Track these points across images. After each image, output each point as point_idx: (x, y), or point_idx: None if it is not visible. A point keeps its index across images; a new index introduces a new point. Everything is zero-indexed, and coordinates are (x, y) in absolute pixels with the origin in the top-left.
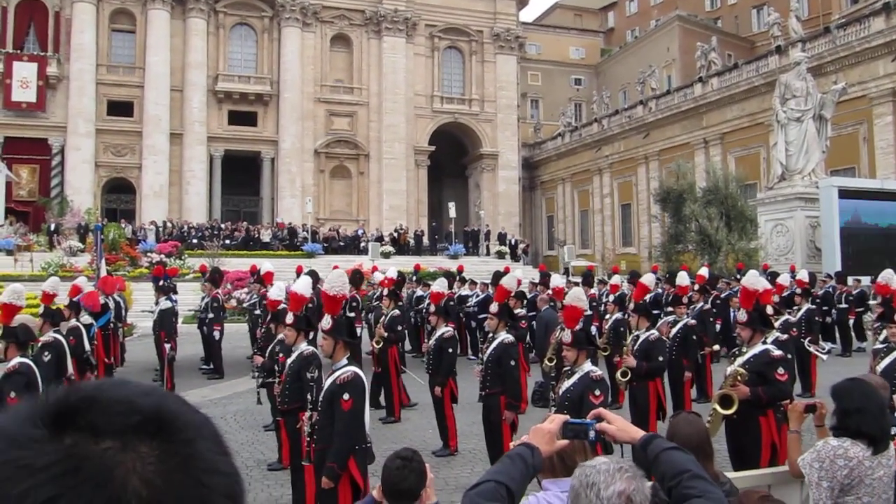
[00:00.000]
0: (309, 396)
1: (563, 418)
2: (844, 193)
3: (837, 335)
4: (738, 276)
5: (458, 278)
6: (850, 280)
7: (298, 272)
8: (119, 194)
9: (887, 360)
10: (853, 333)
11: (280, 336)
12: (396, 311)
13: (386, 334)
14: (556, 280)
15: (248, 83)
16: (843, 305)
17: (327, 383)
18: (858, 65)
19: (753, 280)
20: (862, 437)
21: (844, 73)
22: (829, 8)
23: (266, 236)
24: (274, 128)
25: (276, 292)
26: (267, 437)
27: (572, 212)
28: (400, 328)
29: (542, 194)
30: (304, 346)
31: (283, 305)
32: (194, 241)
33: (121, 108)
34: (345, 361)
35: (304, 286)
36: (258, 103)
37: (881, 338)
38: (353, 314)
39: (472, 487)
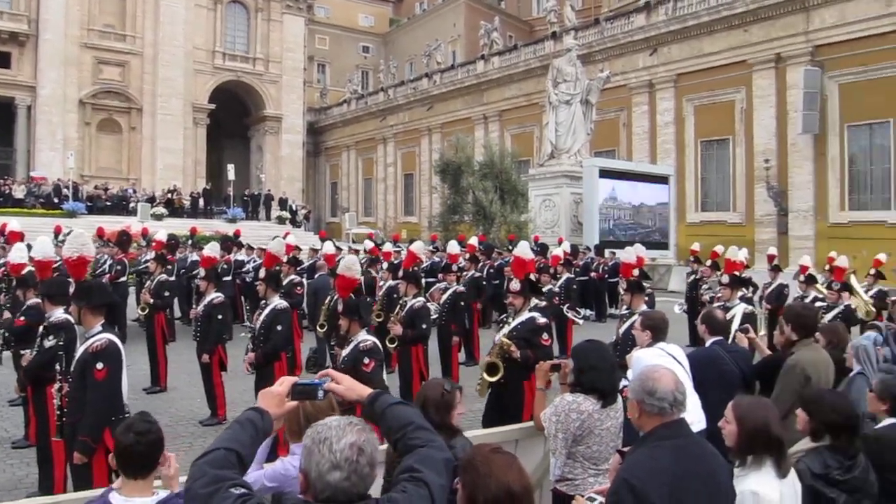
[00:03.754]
0: (58, 367)
1: (292, 380)
2: (605, 173)
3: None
4: (510, 247)
5: (234, 243)
6: (606, 252)
7: (57, 232)
8: None
9: (626, 325)
10: (608, 300)
11: (31, 302)
12: (164, 276)
13: (152, 301)
14: (329, 247)
15: (1, 19)
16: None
17: (79, 352)
18: (622, 56)
19: (525, 251)
20: (595, 392)
21: (610, 63)
22: (600, 1)
23: (19, 192)
24: (32, 72)
25: (17, 255)
26: (13, 412)
27: (356, 179)
28: (167, 294)
29: (327, 160)
30: (58, 313)
31: (29, 268)
32: None
33: None
34: (98, 328)
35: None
36: (12, 43)
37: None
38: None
39: (200, 456)
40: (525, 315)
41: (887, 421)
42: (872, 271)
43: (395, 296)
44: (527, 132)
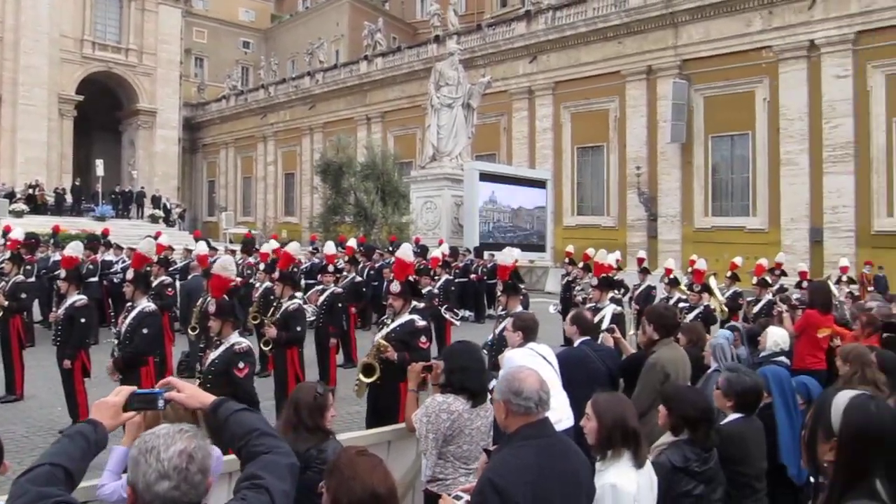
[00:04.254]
0: None
1: (130, 389)
2: (485, 176)
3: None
4: (391, 249)
5: (102, 242)
6: (485, 254)
7: None
8: None
9: (501, 326)
10: (487, 302)
11: None
12: (21, 277)
13: (6, 303)
14: (202, 247)
15: None
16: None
17: None
18: (503, 62)
19: (407, 253)
20: (465, 392)
21: (491, 68)
22: (483, 7)
23: None
24: None
25: None
26: None
27: (235, 178)
28: (25, 296)
29: (205, 158)
30: None
31: None
32: None
33: None
34: None
35: None
36: None
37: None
38: None
39: (23, 473)
40: (404, 317)
41: (732, 416)
42: (729, 274)
43: (271, 297)
44: (409, 134)
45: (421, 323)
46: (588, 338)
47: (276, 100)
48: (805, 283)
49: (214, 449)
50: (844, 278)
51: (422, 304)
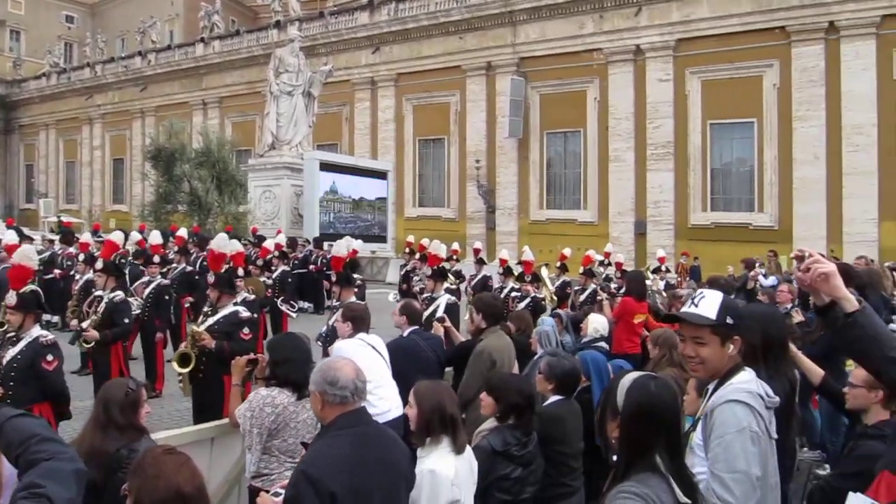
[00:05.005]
0: None
1: None
2: (326, 166)
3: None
4: (252, 240)
5: None
6: (325, 245)
7: None
8: None
9: (334, 317)
10: (326, 293)
11: None
12: None
13: None
14: (11, 236)
15: None
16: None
17: None
18: (346, 51)
19: (222, 243)
20: (289, 385)
21: (334, 57)
22: None
23: None
24: None
25: None
26: None
27: (57, 162)
28: None
29: (22, 140)
30: None
31: None
32: None
33: None
34: None
35: None
36: None
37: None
38: None
39: None
40: (228, 309)
41: (553, 398)
42: (559, 264)
43: (92, 290)
44: (248, 121)
45: (245, 314)
46: (417, 327)
47: (103, 80)
48: (619, 274)
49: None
50: (663, 268)
51: (252, 296)
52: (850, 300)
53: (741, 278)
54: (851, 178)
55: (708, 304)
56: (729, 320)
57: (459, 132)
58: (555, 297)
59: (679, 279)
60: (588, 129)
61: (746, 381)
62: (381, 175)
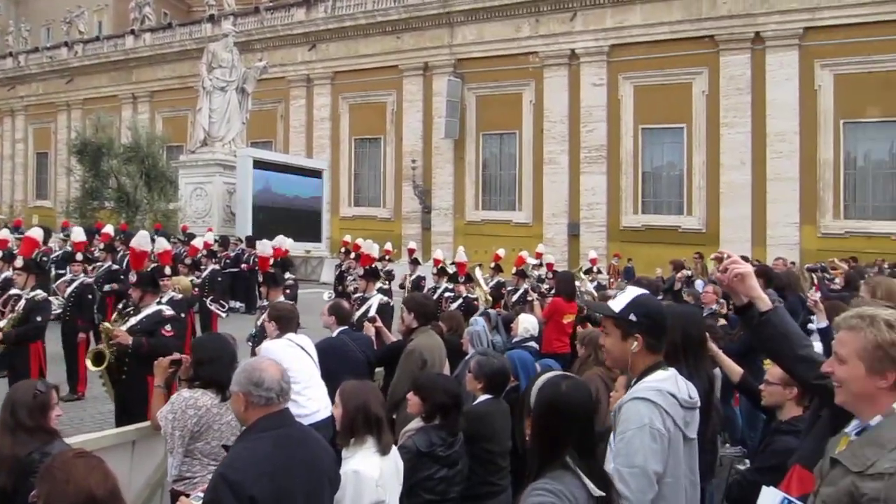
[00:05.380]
0: None
1: None
2: (259, 164)
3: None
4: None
5: None
6: (257, 244)
7: None
8: None
9: (263, 317)
10: (258, 293)
11: None
12: None
13: None
14: None
15: None
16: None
17: None
18: (281, 48)
19: (143, 241)
20: (213, 386)
21: (269, 53)
22: None
23: None
24: None
25: None
26: None
27: None
28: None
29: None
30: None
31: None
32: None
33: None
34: None
35: None
36: None
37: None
38: None
39: None
40: (152, 308)
41: (482, 397)
42: (493, 265)
43: (11, 288)
44: (180, 116)
45: (168, 312)
46: (346, 327)
47: (26, 70)
48: (551, 274)
49: None
50: (594, 269)
51: (179, 295)
52: (764, 300)
53: (669, 280)
54: (774, 183)
55: (621, 298)
56: (632, 317)
57: (396, 132)
58: (490, 298)
59: (611, 280)
60: (523, 131)
61: (660, 380)
62: (316, 174)
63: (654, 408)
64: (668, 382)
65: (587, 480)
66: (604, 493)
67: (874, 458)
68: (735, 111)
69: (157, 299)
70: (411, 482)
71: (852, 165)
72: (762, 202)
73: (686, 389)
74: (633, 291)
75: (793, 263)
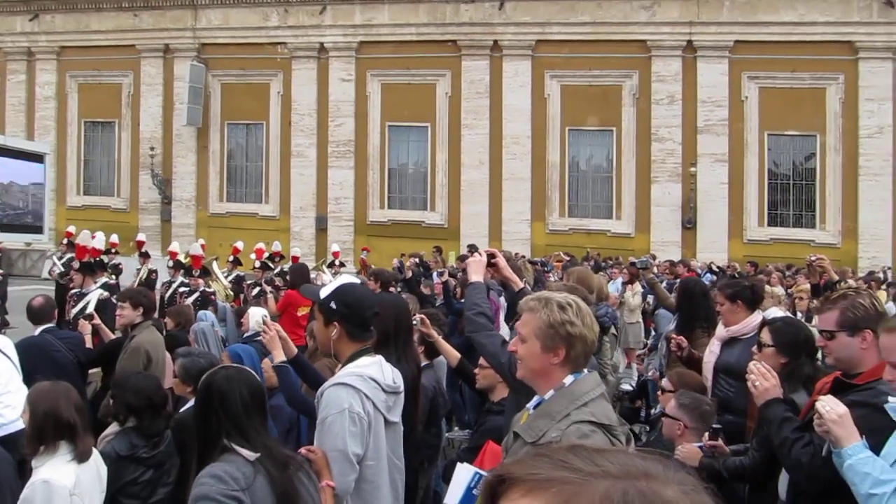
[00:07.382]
0: None
1: None
2: None
3: None
4: None
5: None
6: None
7: None
8: None
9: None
10: None
11: None
12: None
13: None
14: None
15: None
16: None
17: None
18: None
19: None
20: None
21: None
22: None
23: None
24: None
25: None
26: None
27: None
28: None
29: None
30: None
31: None
32: None
33: None
34: None
35: None
36: None
37: None
38: None
39: None
40: None
41: (192, 402)
42: (231, 258)
43: None
44: None
45: None
46: (50, 325)
47: None
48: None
49: None
50: (337, 262)
51: None
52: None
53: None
54: (509, 182)
55: (329, 286)
56: (333, 305)
57: (133, 116)
58: (230, 293)
59: (359, 272)
60: (271, 122)
61: (363, 366)
62: (37, 158)
63: (353, 392)
64: (371, 368)
65: (242, 450)
66: (258, 454)
67: (545, 428)
68: (475, 113)
69: None
70: (114, 488)
71: (576, 168)
72: (498, 200)
73: (391, 374)
74: (341, 281)
75: (523, 256)
